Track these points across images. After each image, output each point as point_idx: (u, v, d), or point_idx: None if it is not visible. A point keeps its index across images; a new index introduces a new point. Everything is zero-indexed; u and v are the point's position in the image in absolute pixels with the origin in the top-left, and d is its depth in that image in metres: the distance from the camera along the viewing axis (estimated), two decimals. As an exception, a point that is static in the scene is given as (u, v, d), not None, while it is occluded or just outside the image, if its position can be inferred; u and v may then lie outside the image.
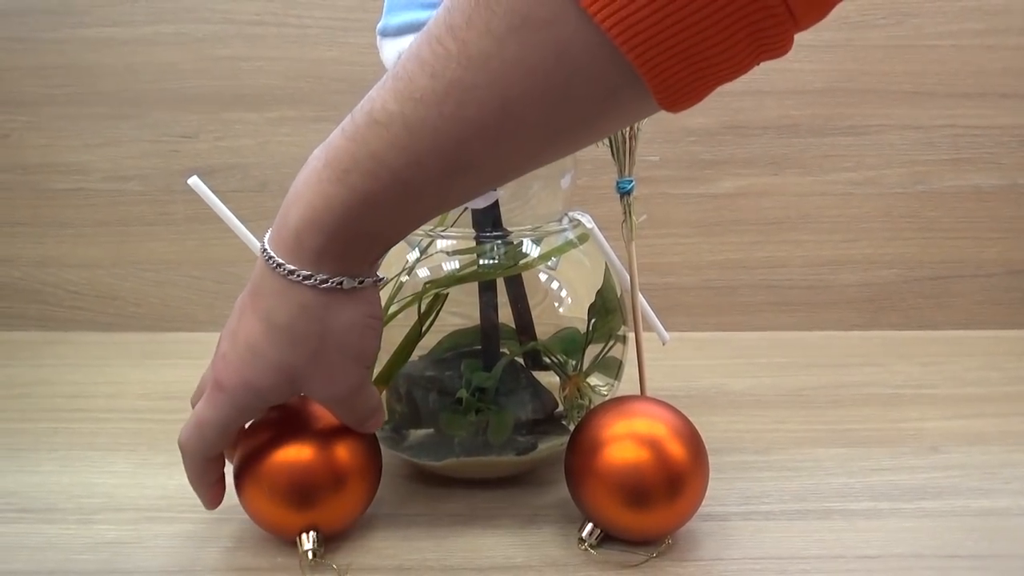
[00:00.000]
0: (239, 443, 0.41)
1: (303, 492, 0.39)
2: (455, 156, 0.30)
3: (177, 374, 0.62)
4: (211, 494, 0.40)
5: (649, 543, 0.41)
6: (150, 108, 0.74)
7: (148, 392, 0.62)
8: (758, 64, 0.28)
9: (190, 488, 0.46)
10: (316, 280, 0.34)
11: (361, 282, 0.35)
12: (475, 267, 0.45)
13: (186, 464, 0.38)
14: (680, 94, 0.28)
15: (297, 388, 0.36)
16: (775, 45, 0.27)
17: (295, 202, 0.33)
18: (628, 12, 0.25)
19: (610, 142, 0.46)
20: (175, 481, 0.48)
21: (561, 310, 0.47)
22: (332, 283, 0.34)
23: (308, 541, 0.40)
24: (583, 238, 0.48)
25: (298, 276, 0.34)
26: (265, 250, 0.35)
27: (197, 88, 0.74)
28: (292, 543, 0.41)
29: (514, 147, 0.30)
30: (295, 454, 0.39)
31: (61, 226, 0.77)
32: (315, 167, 0.33)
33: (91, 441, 0.54)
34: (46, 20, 0.73)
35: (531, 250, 0.46)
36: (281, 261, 0.34)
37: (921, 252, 0.78)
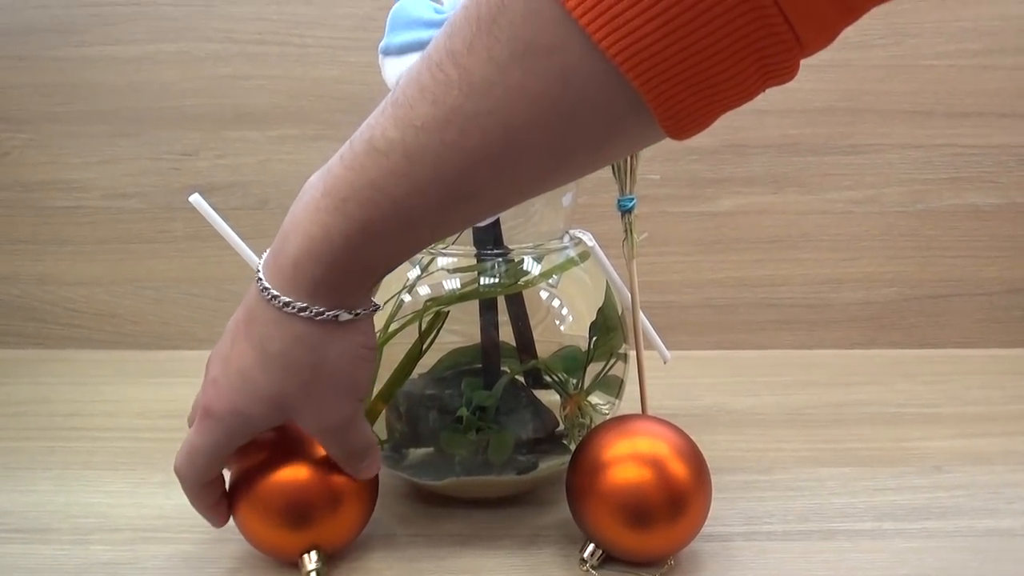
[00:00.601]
0: (232, 464, 0.40)
1: (299, 512, 0.39)
2: (457, 184, 0.30)
3: (175, 392, 0.61)
4: (214, 514, 0.39)
5: (651, 564, 0.41)
6: (151, 126, 0.74)
7: (146, 410, 0.62)
8: (765, 90, 0.28)
9: (188, 508, 0.46)
10: (312, 312, 0.33)
11: (357, 314, 0.35)
12: (476, 285, 0.44)
13: (184, 489, 0.38)
14: (686, 121, 0.28)
15: (287, 417, 0.36)
16: (782, 71, 0.27)
17: (293, 231, 0.33)
18: (634, 39, 0.25)
19: (611, 160, 0.46)
20: (172, 501, 0.48)
21: (562, 328, 0.47)
22: (328, 315, 0.34)
23: (311, 561, 0.39)
24: (584, 256, 0.48)
25: (293, 308, 0.33)
26: (260, 280, 0.34)
27: (198, 106, 0.74)
28: (291, 564, 0.40)
29: (517, 175, 0.30)
30: (290, 474, 0.39)
31: (60, 243, 0.76)
32: (313, 196, 0.32)
33: (88, 460, 0.53)
34: (48, 39, 0.73)
35: (532, 268, 0.46)
36: (276, 293, 0.33)
37: (921, 271, 0.78)
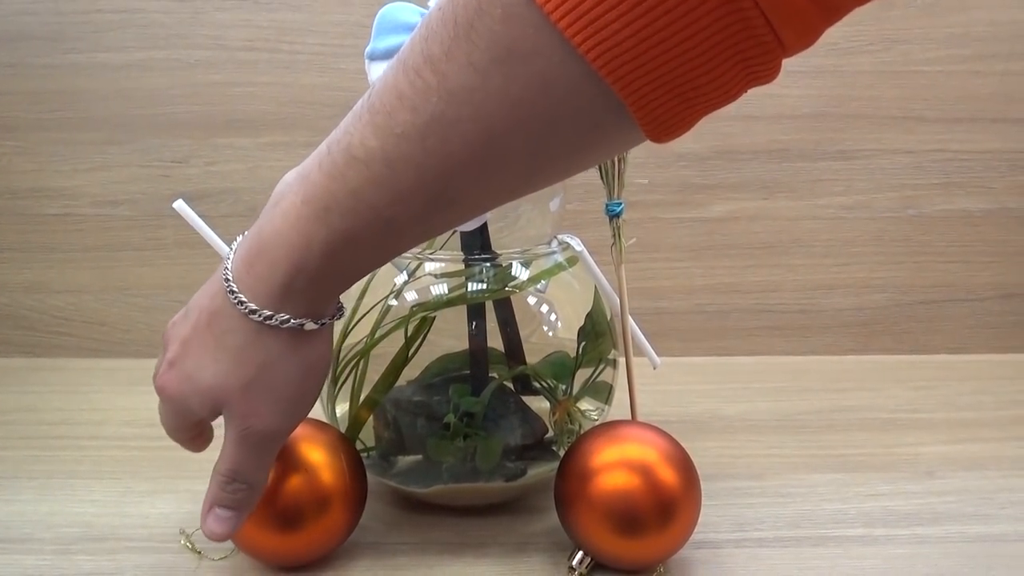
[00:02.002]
0: None
1: (286, 516, 0.39)
2: (439, 191, 0.30)
3: (163, 400, 0.61)
4: (194, 449, 0.40)
5: (641, 571, 0.41)
6: (141, 133, 0.74)
7: (133, 419, 0.61)
8: (747, 91, 0.28)
9: (172, 517, 0.46)
10: (277, 320, 0.33)
11: (323, 323, 0.34)
12: (463, 290, 0.44)
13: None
14: (667, 125, 0.28)
15: (219, 410, 0.35)
16: (764, 72, 0.27)
17: (270, 238, 0.32)
18: (614, 43, 0.25)
19: (599, 166, 0.46)
20: (157, 510, 0.47)
21: (551, 333, 0.46)
22: (294, 324, 0.33)
23: None
24: (572, 261, 0.47)
25: (259, 316, 0.33)
26: (228, 281, 0.34)
27: (188, 113, 0.74)
28: (276, 571, 0.40)
29: (499, 179, 0.30)
30: (277, 478, 0.39)
31: (49, 251, 0.76)
32: (293, 203, 0.32)
33: (73, 469, 0.53)
34: (38, 46, 0.73)
35: (520, 273, 0.45)
36: (244, 299, 0.33)
37: (913, 276, 0.78)
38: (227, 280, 0.34)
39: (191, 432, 0.38)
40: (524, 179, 0.31)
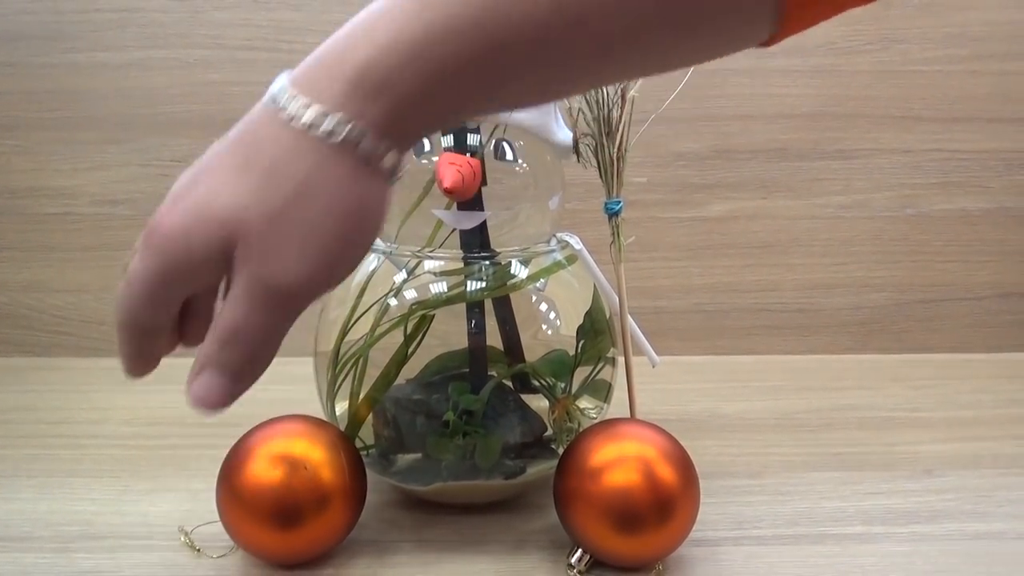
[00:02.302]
0: (222, 467, 0.40)
1: (286, 513, 0.39)
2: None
3: (162, 399, 0.61)
4: (135, 365, 0.32)
5: (639, 569, 0.41)
6: (140, 133, 0.74)
7: (132, 418, 0.61)
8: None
9: (173, 515, 0.45)
10: (330, 124, 0.26)
11: (383, 154, 0.27)
12: (463, 288, 0.44)
13: (116, 329, 0.30)
14: (801, 9, 0.26)
15: (230, 250, 0.27)
16: None
17: (347, 33, 0.27)
18: None
19: (598, 163, 0.46)
20: (156, 508, 0.47)
21: (549, 332, 0.47)
22: (350, 134, 0.26)
23: None
24: (571, 259, 0.48)
25: (305, 122, 0.26)
26: (271, 90, 0.27)
27: (187, 113, 0.74)
28: (275, 568, 0.40)
29: (622, 17, 0.25)
30: (278, 475, 0.39)
31: (48, 250, 0.76)
32: (371, 11, 0.27)
33: (72, 467, 0.53)
34: (37, 45, 0.73)
35: (519, 271, 0.46)
36: (287, 96, 0.26)
37: (911, 275, 0.78)
38: (271, 90, 0.27)
39: (163, 316, 0.29)
40: (634, 32, 0.26)
